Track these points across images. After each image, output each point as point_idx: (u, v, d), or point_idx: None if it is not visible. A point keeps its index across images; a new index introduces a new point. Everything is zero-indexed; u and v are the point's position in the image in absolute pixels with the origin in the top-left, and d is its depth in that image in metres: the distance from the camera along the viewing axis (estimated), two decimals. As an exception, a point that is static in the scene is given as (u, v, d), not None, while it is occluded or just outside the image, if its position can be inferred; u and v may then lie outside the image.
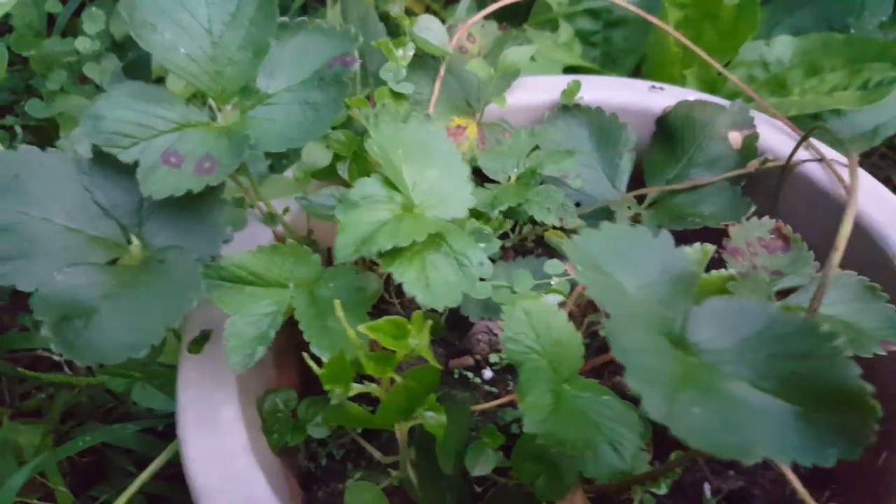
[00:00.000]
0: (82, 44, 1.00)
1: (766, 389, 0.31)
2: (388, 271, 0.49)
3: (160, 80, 1.12)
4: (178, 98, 0.49)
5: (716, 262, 0.51)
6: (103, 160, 0.47)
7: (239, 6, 0.49)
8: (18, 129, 0.98)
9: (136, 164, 0.46)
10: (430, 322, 0.41)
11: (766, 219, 0.53)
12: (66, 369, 0.89)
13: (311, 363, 0.42)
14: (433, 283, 0.45)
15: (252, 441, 0.49)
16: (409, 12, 1.21)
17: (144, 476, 0.60)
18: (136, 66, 1.17)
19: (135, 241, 0.47)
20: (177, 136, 0.47)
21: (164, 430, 0.81)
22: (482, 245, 0.49)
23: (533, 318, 0.43)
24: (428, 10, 1.24)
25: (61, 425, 0.82)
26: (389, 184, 0.49)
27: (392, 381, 0.43)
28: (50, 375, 0.86)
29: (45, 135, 1.11)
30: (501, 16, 0.78)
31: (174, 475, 0.79)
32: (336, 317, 0.50)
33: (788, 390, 0.31)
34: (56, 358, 0.90)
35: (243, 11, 0.50)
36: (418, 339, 0.42)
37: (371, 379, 0.44)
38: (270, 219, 0.56)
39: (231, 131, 0.48)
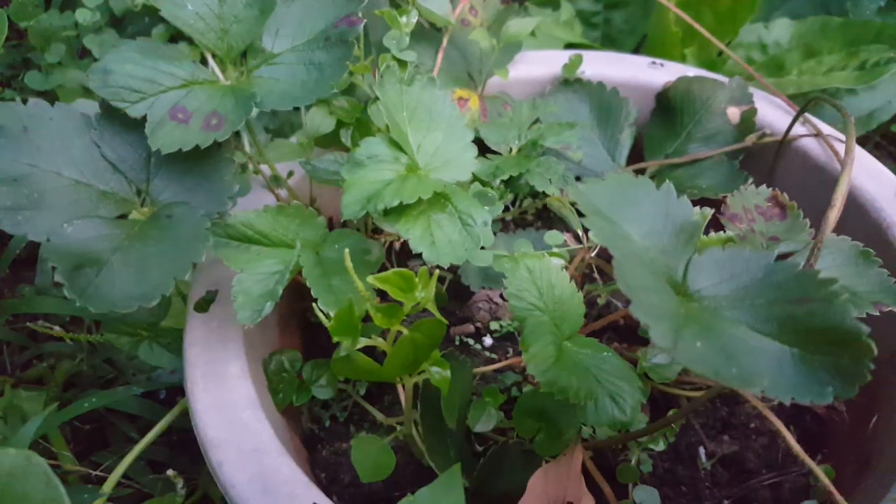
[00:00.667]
0: (82, 15, 1.00)
1: (765, 332, 0.32)
2: (392, 230, 0.50)
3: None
4: (185, 55, 0.49)
5: (714, 229, 0.52)
6: (111, 115, 0.48)
7: (247, -35, 0.50)
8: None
9: (143, 119, 0.47)
10: (435, 277, 0.42)
11: (763, 187, 0.54)
12: (68, 341, 0.90)
13: (321, 316, 0.43)
14: (438, 241, 0.46)
15: (259, 397, 0.49)
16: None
17: (148, 438, 0.60)
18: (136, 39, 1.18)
19: (142, 195, 0.48)
20: (184, 93, 0.48)
21: (166, 397, 0.82)
22: (486, 207, 0.49)
23: (536, 275, 0.44)
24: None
25: (63, 393, 0.83)
26: (395, 144, 0.50)
27: (398, 335, 0.44)
28: (50, 345, 0.87)
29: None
30: None
31: (175, 442, 0.80)
32: (341, 277, 0.51)
33: (787, 333, 0.32)
34: (56, 329, 0.90)
35: (251, -30, 0.50)
36: (424, 293, 0.43)
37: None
38: (275, 181, 0.57)
39: (237, 89, 0.49)
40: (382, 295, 0.46)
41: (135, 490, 0.72)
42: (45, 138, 0.46)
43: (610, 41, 1.05)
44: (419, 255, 0.70)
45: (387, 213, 0.46)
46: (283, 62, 0.50)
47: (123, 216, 0.48)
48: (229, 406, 0.48)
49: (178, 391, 0.82)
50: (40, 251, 0.43)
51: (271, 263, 0.51)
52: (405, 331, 0.43)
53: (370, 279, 0.42)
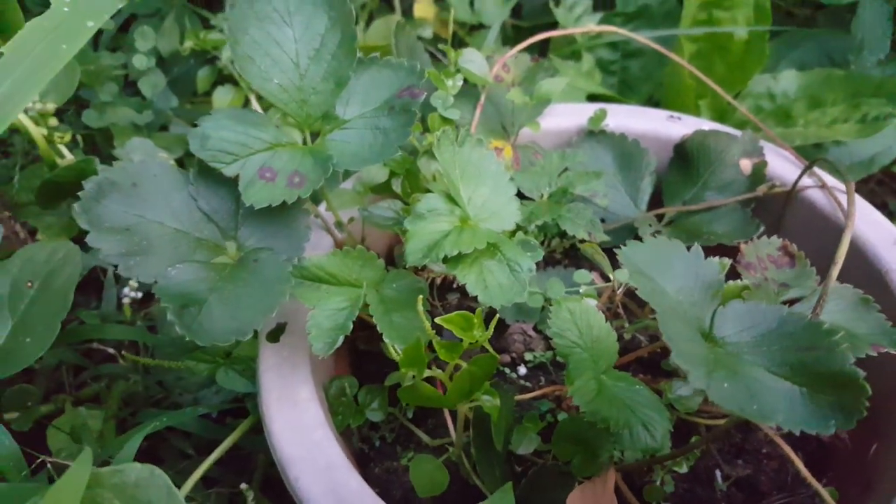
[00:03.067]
0: (139, 61, 1.07)
1: (780, 374, 0.39)
2: (447, 274, 0.56)
3: (206, 94, 1.20)
4: (269, 121, 0.56)
5: (730, 275, 0.59)
6: (206, 173, 0.55)
7: (322, 43, 0.57)
8: (79, 138, 1.05)
9: (236, 177, 0.54)
10: (494, 321, 0.49)
11: (774, 238, 0.61)
12: (121, 360, 0.97)
13: (392, 350, 0.50)
14: (490, 286, 0.53)
15: (326, 419, 0.56)
16: (437, 37, 1.29)
17: (214, 456, 0.67)
18: (180, 81, 1.26)
19: (232, 243, 0.54)
20: (270, 155, 0.55)
21: (218, 417, 0.88)
22: (529, 254, 0.56)
23: (576, 317, 0.51)
24: (455, 35, 1.32)
25: (119, 412, 0.89)
26: (450, 199, 0.57)
27: (456, 367, 0.51)
28: (107, 366, 0.93)
29: (92, 143, 1.18)
30: (519, 43, 0.85)
31: (225, 460, 0.86)
32: (400, 314, 0.57)
33: (797, 375, 0.38)
34: (111, 350, 0.97)
35: (326, 48, 0.57)
36: (481, 332, 0.49)
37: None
38: (339, 226, 0.64)
39: (315, 151, 0.56)
40: (437, 330, 0.52)
41: (195, 504, 0.78)
42: (150, 192, 0.53)
43: (627, 87, 1.12)
44: (454, 290, 0.77)
45: (445, 260, 0.53)
46: (353, 127, 0.57)
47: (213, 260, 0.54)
48: (302, 427, 0.55)
49: (226, 413, 0.89)
50: (155, 290, 0.50)
51: (339, 301, 0.57)
52: (463, 364, 0.50)
53: (438, 320, 0.49)
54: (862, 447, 0.60)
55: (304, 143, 0.59)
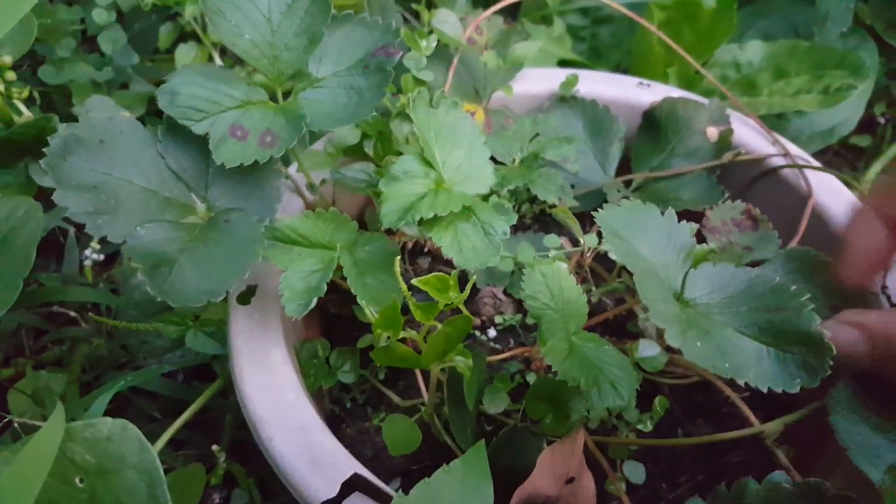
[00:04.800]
0: (99, 15, 1.04)
1: (749, 334, 0.40)
2: (419, 237, 0.56)
3: (168, 52, 1.16)
4: (240, 78, 0.55)
5: (696, 240, 0.61)
6: (175, 130, 0.54)
7: (295, -2, 0.56)
8: (36, 95, 1.02)
9: (205, 135, 0.53)
10: (471, 282, 0.49)
11: (738, 202, 0.62)
12: (83, 324, 0.95)
13: (367, 312, 0.50)
14: (465, 248, 0.53)
15: (300, 381, 0.56)
16: (405, -2, 1.27)
17: (185, 417, 0.66)
18: (141, 37, 1.22)
19: (202, 202, 0.54)
20: (241, 112, 0.54)
21: (184, 379, 0.87)
22: (503, 217, 0.56)
23: (548, 279, 0.51)
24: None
25: (82, 375, 0.88)
26: (425, 161, 0.56)
27: (430, 329, 0.51)
28: (69, 329, 0.92)
29: (49, 101, 1.14)
30: (489, 6, 0.85)
31: (193, 423, 0.86)
32: (373, 276, 0.57)
33: (765, 334, 0.40)
34: (72, 314, 0.95)
35: (299, 3, 0.56)
36: (456, 294, 0.50)
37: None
38: (311, 188, 0.63)
39: (287, 110, 0.55)
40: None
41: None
42: (117, 150, 0.52)
43: (596, 54, 1.13)
44: (425, 253, 0.77)
45: (421, 222, 0.53)
46: (326, 86, 0.56)
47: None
48: (275, 388, 0.55)
49: (192, 376, 0.88)
50: (124, 250, 0.49)
51: (312, 263, 0.57)
52: (438, 325, 0.50)
53: (415, 281, 0.49)
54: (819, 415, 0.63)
55: (276, 101, 0.58)
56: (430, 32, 0.74)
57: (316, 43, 0.55)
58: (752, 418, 0.56)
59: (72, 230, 0.94)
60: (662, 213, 0.46)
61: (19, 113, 0.94)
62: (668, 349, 0.60)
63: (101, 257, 0.92)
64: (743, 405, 0.54)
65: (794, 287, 0.40)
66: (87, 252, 0.92)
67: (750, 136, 0.76)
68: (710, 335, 0.38)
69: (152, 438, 0.69)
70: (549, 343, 0.47)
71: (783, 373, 0.38)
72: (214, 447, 0.63)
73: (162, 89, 0.52)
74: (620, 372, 0.50)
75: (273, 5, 0.56)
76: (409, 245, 0.76)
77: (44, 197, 0.95)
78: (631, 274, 0.64)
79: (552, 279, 0.52)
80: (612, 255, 0.63)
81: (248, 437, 0.82)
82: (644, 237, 0.44)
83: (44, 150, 0.50)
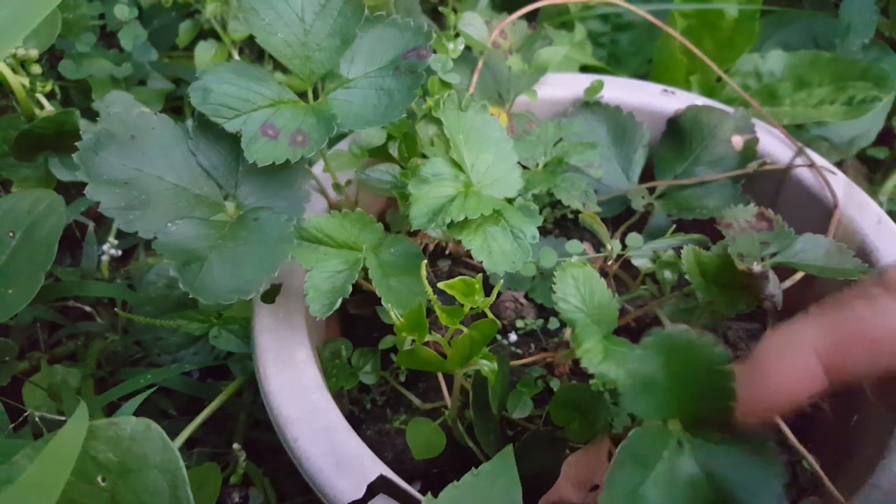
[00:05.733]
0: (121, 11, 1.04)
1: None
2: (444, 239, 0.56)
3: (186, 49, 1.16)
4: (272, 77, 0.55)
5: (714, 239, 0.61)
6: (206, 127, 0.54)
7: (328, -2, 0.56)
8: (57, 90, 1.02)
9: (236, 133, 0.52)
10: (499, 286, 0.49)
11: (751, 205, 0.62)
12: (98, 319, 0.95)
13: (392, 314, 0.49)
14: (494, 252, 0.53)
15: (324, 381, 0.56)
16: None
17: (204, 415, 0.66)
18: (160, 34, 1.22)
19: (231, 200, 0.53)
20: (272, 111, 0.54)
21: (199, 376, 0.87)
22: (530, 220, 0.56)
23: (580, 283, 0.51)
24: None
25: (97, 370, 0.88)
26: (454, 164, 0.56)
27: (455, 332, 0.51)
28: (84, 324, 0.92)
29: (66, 95, 1.14)
30: (510, 9, 0.84)
31: (206, 421, 0.86)
32: (397, 278, 0.57)
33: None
34: (87, 308, 0.95)
35: (332, 3, 0.56)
36: (482, 297, 0.49)
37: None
38: (337, 188, 0.63)
39: (318, 110, 0.55)
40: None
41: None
42: (149, 146, 0.52)
43: (616, 61, 1.12)
44: (446, 256, 0.77)
45: (450, 225, 0.53)
46: (357, 87, 0.56)
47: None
48: (301, 388, 0.55)
49: (207, 373, 0.88)
50: (155, 245, 0.49)
51: (337, 263, 0.57)
52: (463, 329, 0.50)
53: (441, 285, 0.48)
54: (842, 418, 0.62)
55: (305, 100, 0.57)
56: (457, 35, 0.74)
57: (348, 44, 0.55)
58: (781, 423, 0.55)
59: (91, 225, 0.94)
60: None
61: (41, 107, 0.95)
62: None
63: (119, 253, 0.92)
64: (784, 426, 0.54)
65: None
66: (105, 247, 0.92)
67: (775, 146, 0.76)
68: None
69: (169, 436, 0.70)
70: (584, 345, 0.47)
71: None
72: (235, 446, 0.63)
73: (194, 86, 0.52)
74: (650, 378, 0.50)
75: (306, 5, 0.56)
76: (431, 247, 0.75)
77: (62, 190, 0.95)
78: (655, 282, 0.65)
79: (583, 282, 0.52)
80: (636, 262, 0.63)
81: (262, 436, 0.82)
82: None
83: (76, 144, 0.50)
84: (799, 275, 0.62)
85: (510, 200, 0.58)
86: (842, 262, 0.57)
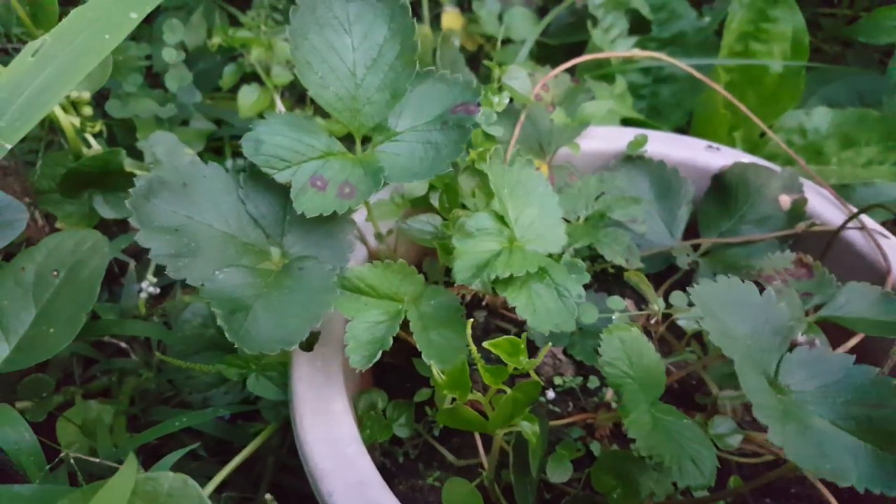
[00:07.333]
0: (168, 54, 1.06)
1: (846, 428, 0.38)
2: (484, 292, 0.55)
3: (229, 91, 1.19)
4: (322, 129, 0.55)
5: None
6: (256, 177, 0.54)
7: (381, 53, 0.56)
8: (103, 129, 1.04)
9: (284, 183, 0.53)
10: (546, 348, 0.48)
11: (787, 252, 0.61)
12: (132, 355, 0.95)
13: (434, 370, 0.49)
14: (538, 310, 0.52)
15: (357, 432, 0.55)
16: (463, 49, 1.29)
17: (237, 461, 0.66)
18: (203, 76, 1.25)
19: (277, 248, 0.54)
20: (321, 163, 0.54)
21: (229, 418, 0.87)
22: (576, 277, 0.55)
23: (627, 346, 0.50)
24: (481, 49, 1.32)
25: (130, 408, 0.88)
26: (499, 218, 0.56)
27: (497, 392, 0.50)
28: (118, 360, 0.92)
29: (111, 134, 1.16)
30: (549, 60, 0.84)
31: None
32: (437, 331, 0.57)
33: (864, 431, 0.38)
34: (122, 345, 0.96)
35: (384, 58, 0.57)
36: (526, 358, 0.49)
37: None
38: (379, 238, 0.63)
39: (365, 162, 0.55)
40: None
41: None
42: (200, 194, 0.52)
43: (657, 113, 1.12)
44: (483, 307, 0.76)
45: (494, 281, 0.52)
46: (405, 140, 0.56)
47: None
48: (336, 441, 0.54)
49: (237, 415, 0.87)
50: (202, 293, 0.49)
51: (377, 314, 0.56)
52: (507, 389, 0.49)
53: (486, 344, 0.48)
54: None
55: (352, 151, 0.58)
56: (500, 88, 0.74)
57: (398, 98, 0.56)
58: (833, 501, 0.53)
59: (132, 263, 0.95)
60: (761, 294, 0.44)
61: (88, 146, 0.97)
62: (741, 426, 0.58)
63: (157, 290, 0.93)
64: (825, 489, 0.51)
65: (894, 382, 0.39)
66: (143, 284, 0.93)
67: (823, 207, 0.74)
68: (808, 430, 0.37)
69: (200, 479, 0.69)
70: (632, 416, 0.46)
71: (881, 472, 0.36)
72: (267, 496, 0.62)
73: (247, 137, 0.52)
74: (701, 448, 0.48)
75: (359, 59, 0.56)
76: (468, 297, 0.75)
77: (103, 228, 0.96)
78: (702, 344, 0.63)
79: (631, 346, 0.51)
80: (681, 323, 0.62)
81: (289, 480, 0.81)
82: (741, 317, 0.42)
83: (130, 190, 0.51)
84: (853, 340, 0.60)
85: (554, 256, 0.58)
86: (892, 315, 0.55)
